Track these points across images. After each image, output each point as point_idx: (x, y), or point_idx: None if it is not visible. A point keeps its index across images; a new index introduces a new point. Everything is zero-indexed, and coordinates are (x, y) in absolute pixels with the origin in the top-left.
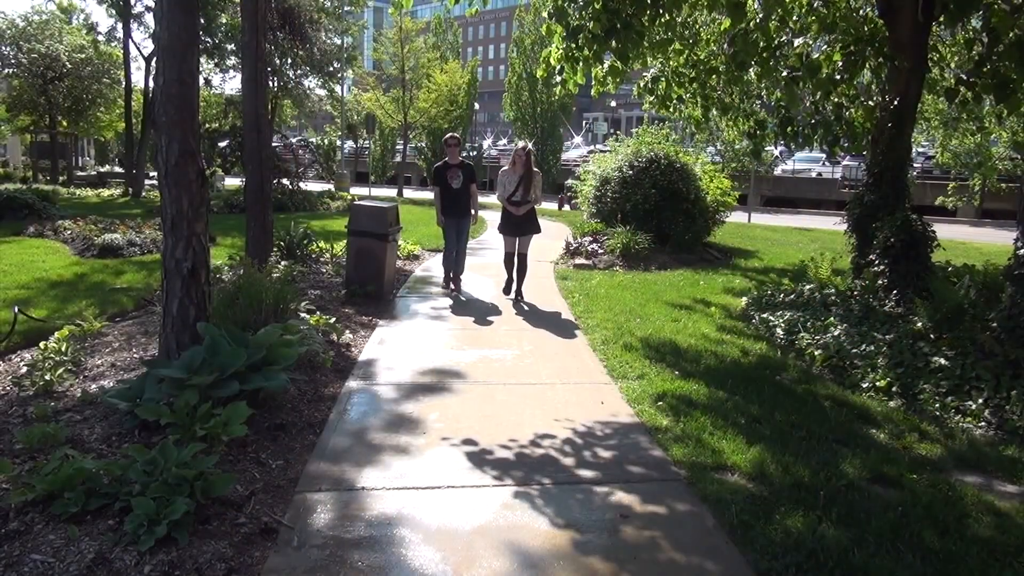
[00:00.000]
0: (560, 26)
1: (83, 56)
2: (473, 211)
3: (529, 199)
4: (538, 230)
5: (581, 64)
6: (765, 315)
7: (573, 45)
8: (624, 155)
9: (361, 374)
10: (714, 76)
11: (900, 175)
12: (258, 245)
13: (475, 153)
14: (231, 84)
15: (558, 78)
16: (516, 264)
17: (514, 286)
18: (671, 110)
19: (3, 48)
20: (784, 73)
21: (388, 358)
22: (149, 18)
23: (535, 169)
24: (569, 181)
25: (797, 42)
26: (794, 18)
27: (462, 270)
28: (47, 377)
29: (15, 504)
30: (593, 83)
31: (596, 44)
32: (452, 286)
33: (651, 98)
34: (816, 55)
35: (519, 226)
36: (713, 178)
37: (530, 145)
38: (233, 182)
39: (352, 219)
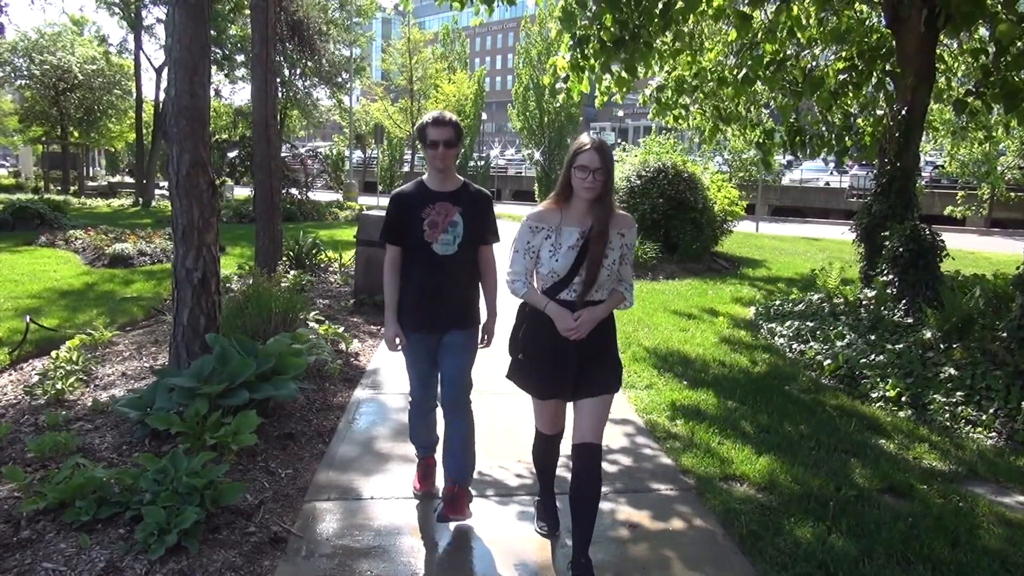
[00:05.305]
0: (568, 35)
1: (94, 67)
2: (489, 313)
3: (601, 295)
4: (618, 379)
5: (587, 73)
6: (773, 325)
7: (579, 54)
8: (631, 165)
9: (369, 383)
10: (721, 86)
11: (908, 184)
12: (267, 255)
13: (482, 163)
14: (240, 95)
15: (562, 85)
16: (573, 475)
17: (574, 544)
18: (676, 120)
19: (16, 60)
20: (786, 86)
21: (396, 367)
22: (160, 30)
23: (620, 211)
24: None
25: (803, 55)
26: (802, 24)
27: (470, 471)
28: (58, 386)
29: (27, 512)
30: (597, 93)
31: (605, 54)
32: (444, 507)
33: (656, 107)
34: (823, 64)
35: (572, 364)
36: (721, 187)
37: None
38: (242, 192)
39: (361, 229)
